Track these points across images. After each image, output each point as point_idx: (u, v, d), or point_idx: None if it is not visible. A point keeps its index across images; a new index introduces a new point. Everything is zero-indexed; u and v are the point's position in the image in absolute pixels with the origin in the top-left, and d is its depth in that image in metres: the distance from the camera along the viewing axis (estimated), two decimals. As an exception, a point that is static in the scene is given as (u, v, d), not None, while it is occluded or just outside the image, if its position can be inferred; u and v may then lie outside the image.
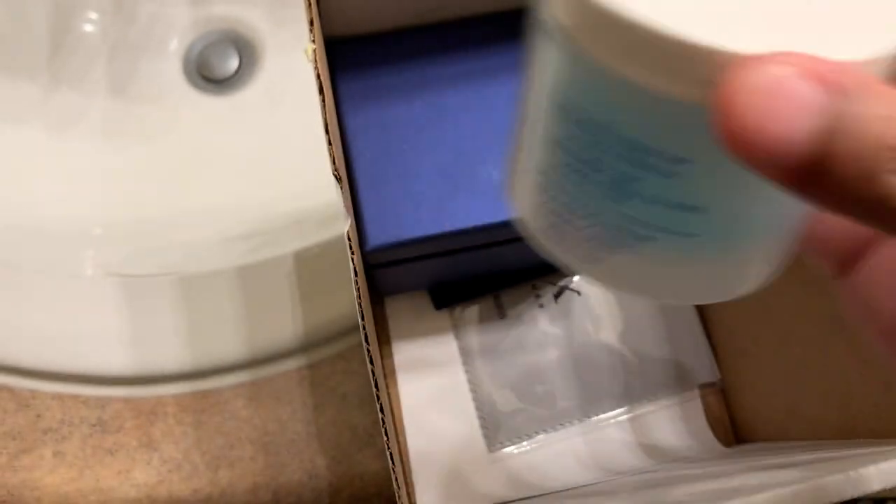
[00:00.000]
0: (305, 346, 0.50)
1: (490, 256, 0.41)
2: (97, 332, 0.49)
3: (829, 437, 0.37)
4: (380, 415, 0.30)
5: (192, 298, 0.51)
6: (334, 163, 0.30)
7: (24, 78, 0.61)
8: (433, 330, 0.46)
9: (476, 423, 0.44)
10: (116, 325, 0.49)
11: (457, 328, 0.45)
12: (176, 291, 0.51)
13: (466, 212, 0.37)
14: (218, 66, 0.64)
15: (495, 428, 0.43)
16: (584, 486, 0.42)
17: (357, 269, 0.30)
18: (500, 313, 0.44)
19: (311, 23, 0.29)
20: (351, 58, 0.39)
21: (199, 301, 0.51)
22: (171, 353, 0.49)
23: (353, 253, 0.30)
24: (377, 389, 0.30)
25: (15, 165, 0.59)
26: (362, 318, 0.30)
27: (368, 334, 0.30)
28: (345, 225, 0.31)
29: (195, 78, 0.64)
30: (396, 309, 0.48)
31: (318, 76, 0.30)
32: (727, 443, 0.45)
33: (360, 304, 0.30)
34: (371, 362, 0.30)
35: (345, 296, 0.50)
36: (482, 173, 0.38)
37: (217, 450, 0.47)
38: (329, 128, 0.30)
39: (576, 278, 0.46)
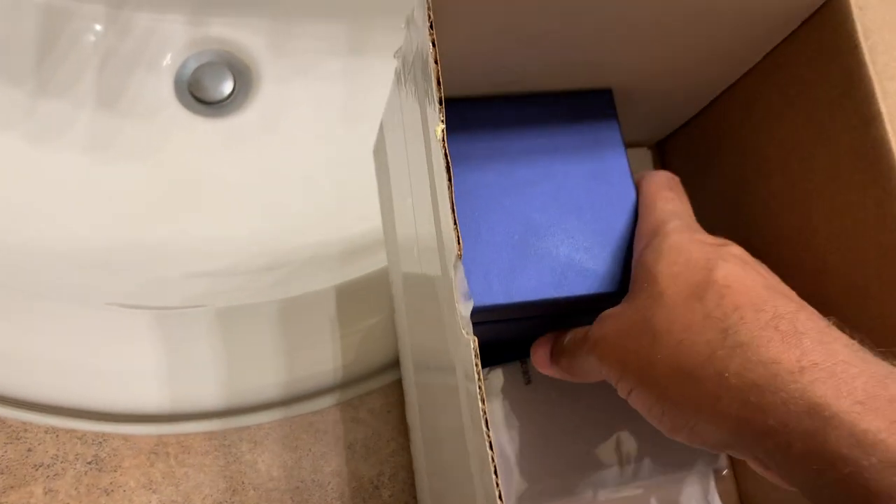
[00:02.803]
0: (329, 389, 0.49)
1: (535, 326, 0.41)
2: (95, 364, 0.47)
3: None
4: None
5: (189, 336, 0.49)
6: (459, 243, 0.29)
7: (9, 82, 0.58)
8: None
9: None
10: (116, 359, 0.47)
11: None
12: (175, 327, 0.49)
13: (533, 284, 0.37)
14: (211, 87, 0.63)
15: (513, 495, 0.44)
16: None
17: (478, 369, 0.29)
18: (527, 378, 0.45)
19: (441, 102, 0.29)
20: None
21: (201, 338, 0.49)
22: (175, 392, 0.47)
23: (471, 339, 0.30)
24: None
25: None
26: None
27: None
28: (464, 308, 0.30)
29: (186, 97, 0.62)
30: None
31: (447, 157, 0.29)
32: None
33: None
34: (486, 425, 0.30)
35: (356, 341, 0.49)
36: (549, 247, 0.38)
37: (219, 494, 0.46)
38: (454, 209, 0.29)
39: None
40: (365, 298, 0.51)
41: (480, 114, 0.40)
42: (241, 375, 0.48)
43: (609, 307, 0.38)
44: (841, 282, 0.38)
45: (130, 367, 0.47)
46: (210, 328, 0.49)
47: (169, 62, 0.62)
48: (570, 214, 0.39)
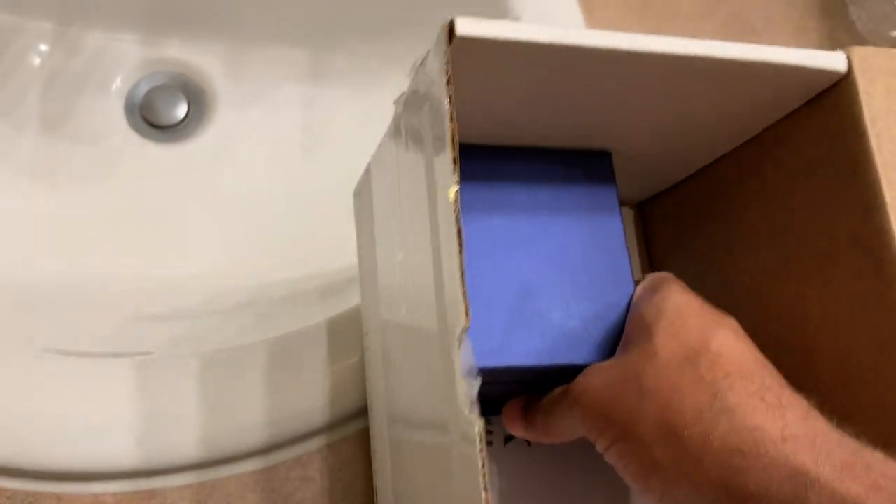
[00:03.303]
0: (264, 449, 0.46)
1: (513, 388, 0.40)
2: (27, 417, 0.43)
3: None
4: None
5: (141, 386, 0.46)
6: (467, 315, 0.28)
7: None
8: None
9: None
10: (48, 411, 0.43)
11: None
12: (105, 376, 0.46)
13: (524, 349, 0.36)
14: (164, 111, 0.60)
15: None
16: None
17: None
18: (506, 438, 0.44)
19: (456, 161, 0.28)
20: None
21: (148, 389, 0.46)
22: (114, 448, 0.44)
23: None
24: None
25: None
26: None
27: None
28: (469, 386, 0.29)
29: (138, 121, 0.59)
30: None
31: (459, 222, 0.28)
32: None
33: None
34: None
35: (309, 391, 0.46)
36: (542, 311, 0.37)
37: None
38: (463, 279, 0.28)
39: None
40: (310, 348, 0.48)
41: (480, 161, 0.39)
42: (162, 433, 0.44)
43: None
44: (832, 368, 0.37)
45: (63, 422, 0.43)
46: (143, 378, 0.45)
47: (120, 84, 0.59)
48: (564, 278, 0.38)
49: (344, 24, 0.61)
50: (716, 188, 0.44)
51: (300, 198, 0.59)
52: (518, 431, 0.39)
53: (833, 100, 0.36)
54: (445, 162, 0.27)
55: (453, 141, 0.27)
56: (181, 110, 0.60)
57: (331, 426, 0.46)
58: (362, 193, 0.43)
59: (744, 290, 0.43)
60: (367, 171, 0.42)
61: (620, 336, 0.37)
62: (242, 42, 0.61)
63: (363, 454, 0.46)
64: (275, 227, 0.58)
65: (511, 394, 0.40)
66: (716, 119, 0.39)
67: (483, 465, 0.27)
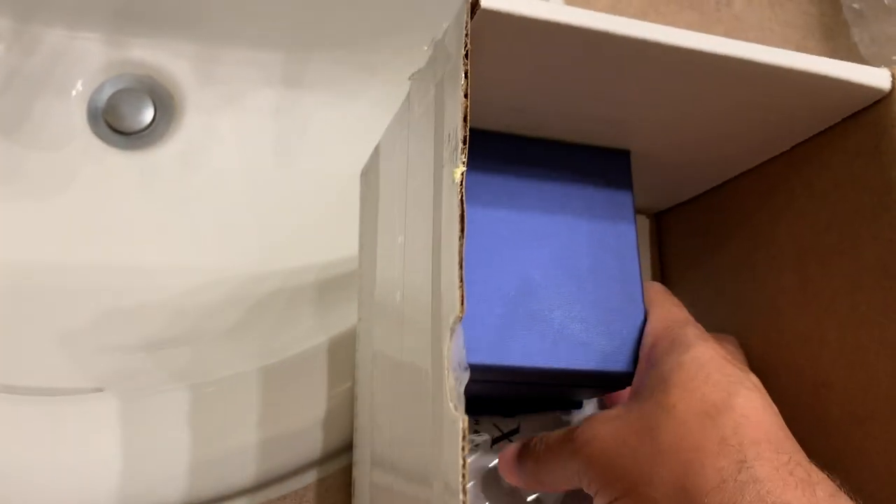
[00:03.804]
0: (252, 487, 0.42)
1: (499, 388, 0.38)
2: None
3: None
4: None
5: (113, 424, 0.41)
6: (462, 304, 0.25)
7: None
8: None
9: None
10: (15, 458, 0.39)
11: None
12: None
13: (521, 348, 0.34)
14: (129, 116, 0.56)
15: None
16: None
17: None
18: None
19: (465, 141, 0.25)
20: None
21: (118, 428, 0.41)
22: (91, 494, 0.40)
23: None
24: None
25: None
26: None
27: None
28: (457, 380, 0.26)
29: (101, 127, 0.55)
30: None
31: (462, 204, 0.25)
32: None
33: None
34: None
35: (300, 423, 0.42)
36: (543, 311, 0.35)
37: None
38: (462, 263, 0.25)
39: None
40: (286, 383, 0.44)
41: (494, 148, 0.37)
42: (142, 475, 0.41)
43: (591, 387, 0.38)
44: (844, 403, 0.35)
45: (33, 467, 0.39)
46: (103, 418, 0.41)
47: (82, 87, 0.55)
48: (570, 279, 0.36)
49: (321, 28, 0.58)
50: (739, 203, 0.42)
51: (273, 208, 0.56)
52: (509, 476, 0.37)
53: (872, 118, 0.34)
54: (453, 140, 0.25)
55: (465, 119, 0.24)
56: (147, 115, 0.56)
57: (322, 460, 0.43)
58: (369, 174, 0.41)
59: (759, 312, 0.40)
60: (376, 151, 0.39)
61: (622, 344, 0.36)
62: (213, 43, 0.57)
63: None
64: (246, 239, 0.55)
65: (502, 394, 0.39)
66: (746, 129, 0.37)
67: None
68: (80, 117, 0.55)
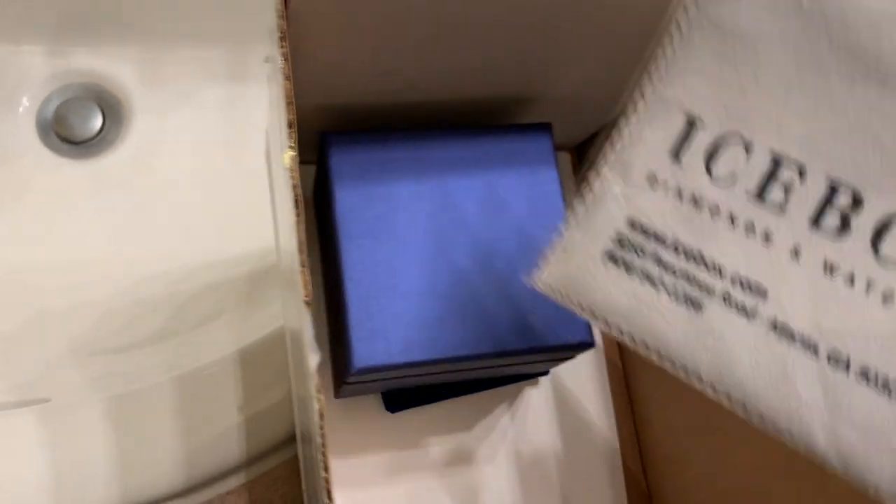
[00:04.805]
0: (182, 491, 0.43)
1: (466, 373, 0.38)
2: None
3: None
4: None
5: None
6: (306, 289, 0.25)
7: None
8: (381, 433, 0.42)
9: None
10: None
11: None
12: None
13: (457, 339, 0.34)
14: (78, 125, 0.56)
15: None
16: None
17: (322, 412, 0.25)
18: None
19: (291, 125, 0.25)
20: (344, 153, 0.35)
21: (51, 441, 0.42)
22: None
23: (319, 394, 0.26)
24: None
25: None
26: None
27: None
28: (311, 361, 0.26)
29: (51, 138, 0.56)
30: (344, 410, 0.42)
31: (295, 188, 0.25)
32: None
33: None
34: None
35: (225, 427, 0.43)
36: (474, 295, 0.35)
37: None
38: (302, 248, 0.26)
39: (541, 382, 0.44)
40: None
41: (405, 143, 0.37)
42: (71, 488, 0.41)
43: (550, 360, 0.38)
44: None
45: None
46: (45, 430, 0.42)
47: (28, 101, 0.56)
48: (500, 263, 0.36)
49: (257, 20, 0.57)
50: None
51: (228, 204, 0.56)
52: None
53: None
54: (280, 125, 0.24)
55: (290, 103, 0.24)
56: (96, 123, 0.57)
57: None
58: (268, 157, 0.41)
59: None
60: (267, 135, 0.40)
61: (556, 323, 0.35)
62: (155, 45, 0.57)
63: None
64: (203, 239, 0.55)
65: (464, 379, 0.39)
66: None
67: (325, 471, 0.25)
68: (29, 131, 0.55)
